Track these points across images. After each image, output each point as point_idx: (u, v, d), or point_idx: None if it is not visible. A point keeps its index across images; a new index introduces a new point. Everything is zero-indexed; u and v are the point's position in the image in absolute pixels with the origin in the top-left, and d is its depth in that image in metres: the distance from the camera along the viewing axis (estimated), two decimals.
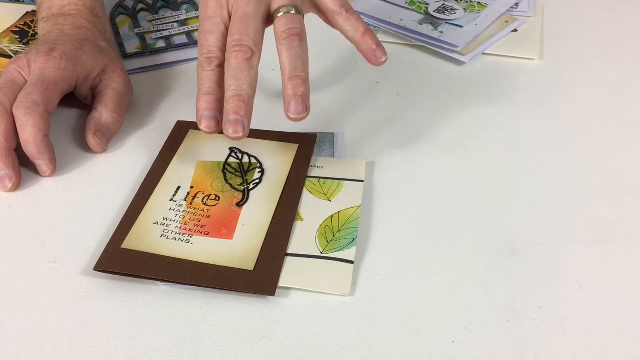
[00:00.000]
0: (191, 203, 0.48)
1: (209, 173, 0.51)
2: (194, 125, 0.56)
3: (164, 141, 0.54)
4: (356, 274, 0.44)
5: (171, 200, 0.49)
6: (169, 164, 0.52)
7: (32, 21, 0.69)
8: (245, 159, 0.52)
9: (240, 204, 0.48)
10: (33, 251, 0.46)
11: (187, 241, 0.45)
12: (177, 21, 0.70)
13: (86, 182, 0.51)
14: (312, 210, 0.48)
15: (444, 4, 0.72)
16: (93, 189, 0.51)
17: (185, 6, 0.72)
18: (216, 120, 0.47)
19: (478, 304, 0.43)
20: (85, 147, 0.54)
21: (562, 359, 0.39)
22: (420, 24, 0.69)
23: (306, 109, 0.46)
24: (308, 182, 0.51)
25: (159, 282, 0.43)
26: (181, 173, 0.51)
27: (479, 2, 0.73)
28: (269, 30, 0.50)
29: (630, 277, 0.45)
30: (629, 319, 0.42)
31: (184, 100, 0.60)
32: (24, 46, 0.65)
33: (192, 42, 0.67)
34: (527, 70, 0.65)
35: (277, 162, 0.52)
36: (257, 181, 0.50)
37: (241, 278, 0.43)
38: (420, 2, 0.72)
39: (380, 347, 0.40)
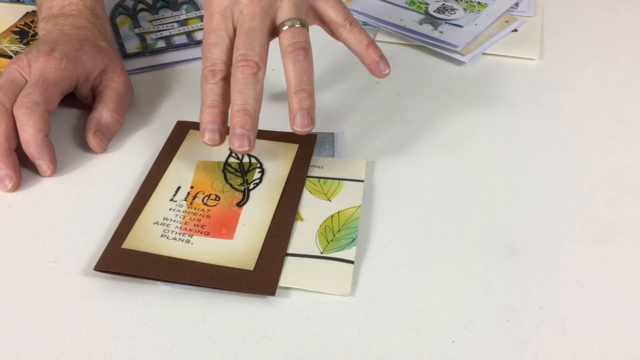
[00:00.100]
0: (191, 203, 0.48)
1: (209, 173, 0.51)
2: (194, 125, 0.56)
3: (164, 141, 0.54)
4: (356, 274, 0.44)
5: (171, 200, 0.49)
6: (169, 164, 0.52)
7: (32, 21, 0.69)
8: (246, 159, 0.52)
9: (240, 204, 0.48)
10: (33, 251, 0.46)
11: (187, 241, 0.45)
12: (177, 21, 0.70)
13: (86, 182, 0.51)
14: (312, 210, 0.48)
15: (443, 3, 0.72)
16: (93, 189, 0.51)
17: (185, 6, 0.72)
18: (219, 133, 0.47)
19: (478, 303, 0.43)
20: (86, 147, 0.54)
21: (562, 359, 0.39)
22: (420, 23, 0.69)
23: (312, 121, 0.47)
24: (308, 182, 0.51)
25: (159, 282, 0.43)
26: (181, 173, 0.51)
27: (478, 2, 0.73)
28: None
29: (630, 277, 0.45)
30: (629, 319, 0.42)
31: (184, 100, 0.60)
32: (24, 46, 0.65)
33: (192, 42, 0.67)
34: (527, 70, 0.65)
35: (277, 162, 0.52)
36: (257, 181, 0.50)
37: (241, 278, 0.43)
38: (420, 2, 0.72)
39: (380, 347, 0.40)
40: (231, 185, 0.50)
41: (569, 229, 0.48)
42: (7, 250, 0.46)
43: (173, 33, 0.68)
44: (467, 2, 0.73)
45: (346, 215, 0.48)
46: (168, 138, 0.55)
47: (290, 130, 0.55)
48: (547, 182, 0.52)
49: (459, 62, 0.66)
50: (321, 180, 0.51)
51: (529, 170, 0.53)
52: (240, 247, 0.45)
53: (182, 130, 0.55)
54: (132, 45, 0.66)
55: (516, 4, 0.74)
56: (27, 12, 0.70)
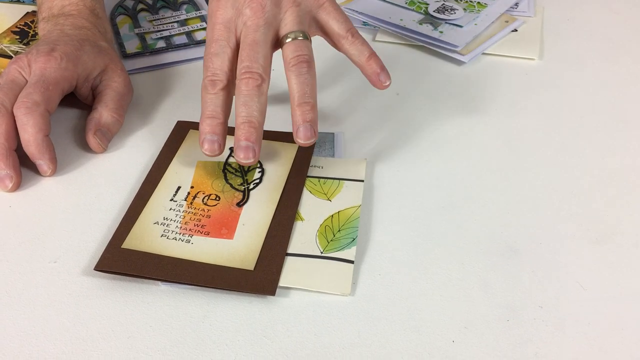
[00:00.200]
0: (191, 203, 0.48)
1: (209, 173, 0.51)
2: (194, 125, 0.56)
3: (164, 141, 0.54)
4: (356, 274, 0.44)
5: (171, 200, 0.49)
6: (169, 164, 0.52)
7: (32, 21, 0.69)
8: None
9: (240, 204, 0.48)
10: (33, 251, 0.46)
11: (188, 241, 0.45)
12: (177, 21, 0.70)
13: (86, 182, 0.51)
14: (312, 210, 0.48)
15: (443, 3, 0.72)
16: (93, 189, 0.51)
17: (185, 6, 0.72)
18: (218, 144, 0.48)
19: (478, 303, 0.43)
20: (86, 147, 0.54)
21: (562, 359, 0.40)
22: (420, 23, 0.69)
23: (314, 134, 0.47)
24: (308, 182, 0.51)
25: (159, 282, 0.43)
26: (181, 173, 0.51)
27: (478, 2, 0.73)
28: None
29: (630, 277, 0.45)
30: (629, 319, 0.42)
31: (184, 100, 0.60)
32: (24, 46, 0.65)
33: (192, 43, 0.67)
34: (527, 70, 0.65)
35: (277, 162, 0.52)
36: (257, 181, 0.50)
37: (241, 278, 0.43)
38: (420, 2, 0.72)
39: (380, 347, 0.40)
40: (231, 185, 0.50)
41: (569, 229, 0.48)
42: (7, 250, 0.46)
43: (173, 33, 0.68)
44: (467, 2, 0.73)
45: (346, 215, 0.48)
46: (168, 138, 0.55)
47: (290, 131, 0.55)
48: (547, 182, 0.52)
49: (458, 62, 0.66)
50: (321, 180, 0.51)
51: (529, 170, 0.53)
52: (240, 247, 0.45)
53: (182, 130, 0.55)
54: (132, 45, 0.66)
55: (516, 4, 0.74)
56: (27, 12, 0.70)
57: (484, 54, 0.67)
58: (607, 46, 0.69)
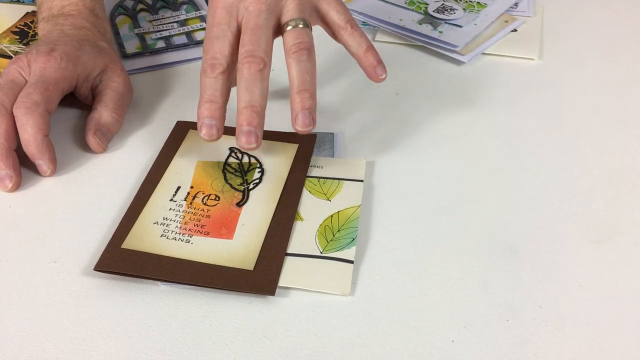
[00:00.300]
0: (191, 203, 0.48)
1: (209, 173, 0.51)
2: (193, 125, 0.56)
3: (164, 141, 0.54)
4: (356, 274, 0.44)
5: (171, 200, 0.49)
6: (169, 164, 0.52)
7: (32, 21, 0.69)
8: (245, 159, 0.52)
9: (240, 204, 0.48)
10: (33, 251, 0.46)
11: (187, 241, 0.45)
12: (176, 21, 0.70)
13: (86, 182, 0.51)
14: (312, 210, 0.48)
15: (443, 3, 0.72)
16: (93, 189, 0.51)
17: (185, 6, 0.72)
18: (217, 128, 0.47)
19: (478, 303, 0.43)
20: (86, 147, 0.54)
21: (561, 358, 0.40)
22: (420, 23, 0.69)
23: (313, 121, 0.47)
24: (308, 181, 0.51)
25: (159, 282, 0.43)
26: (181, 173, 0.51)
27: (478, 2, 0.73)
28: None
29: (630, 277, 0.45)
30: (629, 319, 0.42)
31: (184, 101, 0.60)
32: (24, 46, 0.65)
33: (192, 43, 0.67)
34: (526, 70, 0.65)
35: (277, 162, 0.52)
36: (257, 181, 0.50)
37: (241, 278, 0.43)
38: (419, 2, 0.72)
39: (380, 347, 0.40)
40: (231, 185, 0.50)
41: (568, 228, 0.48)
42: (7, 250, 0.46)
43: (173, 33, 0.68)
44: (466, 2, 0.73)
45: (346, 215, 0.48)
46: (168, 138, 0.55)
47: (290, 130, 0.55)
48: (546, 182, 0.52)
49: (458, 62, 0.66)
50: (321, 180, 0.51)
51: (528, 170, 0.53)
52: (240, 247, 0.45)
53: (182, 130, 0.55)
54: (131, 46, 0.66)
55: (516, 4, 0.74)
56: (27, 12, 0.70)
57: (483, 54, 0.67)
58: (606, 46, 0.69)
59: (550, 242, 0.47)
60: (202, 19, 0.70)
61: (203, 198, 0.49)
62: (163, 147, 0.54)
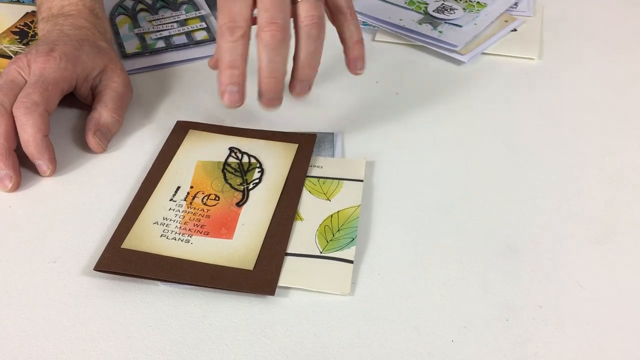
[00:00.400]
0: (191, 203, 0.48)
1: (209, 173, 0.51)
2: (193, 125, 0.56)
3: (164, 141, 0.54)
4: (356, 274, 0.44)
5: (171, 200, 0.49)
6: (168, 164, 0.52)
7: (32, 22, 0.69)
8: (245, 159, 0.52)
9: (240, 204, 0.49)
10: (33, 251, 0.46)
11: (187, 241, 0.45)
12: (176, 21, 0.70)
13: (86, 182, 0.51)
14: (312, 209, 0.48)
15: (443, 3, 0.72)
16: (93, 189, 0.51)
17: (185, 6, 0.72)
18: (240, 94, 0.47)
19: (478, 303, 0.43)
20: (85, 147, 0.54)
21: (561, 358, 0.40)
22: (420, 23, 0.69)
23: (309, 89, 0.49)
24: (308, 181, 0.51)
25: (158, 282, 0.43)
26: (181, 173, 0.51)
27: (478, 2, 0.73)
28: None
29: (630, 277, 0.45)
30: (629, 318, 0.42)
31: (184, 100, 0.60)
32: (23, 46, 0.65)
33: (192, 43, 0.67)
34: (526, 70, 0.65)
35: (276, 162, 0.52)
36: (257, 181, 0.50)
37: (241, 278, 0.43)
38: (419, 2, 0.72)
39: (380, 347, 0.40)
40: (231, 185, 0.50)
41: (568, 228, 0.48)
42: (7, 250, 0.46)
43: (173, 33, 0.68)
44: (466, 1, 0.73)
45: (346, 214, 0.48)
46: (168, 138, 0.55)
47: (290, 130, 0.55)
48: (546, 182, 0.52)
49: (458, 62, 0.66)
50: (321, 180, 0.51)
51: (528, 170, 0.53)
52: (239, 247, 0.45)
53: (181, 130, 0.55)
54: (131, 46, 0.66)
55: (515, 4, 0.74)
56: (27, 13, 0.70)
57: (483, 53, 0.67)
58: (606, 45, 0.69)
59: (550, 242, 0.47)
60: (202, 18, 0.70)
61: (203, 198, 0.49)
62: (163, 147, 0.54)
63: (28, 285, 0.44)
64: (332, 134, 0.56)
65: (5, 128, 0.49)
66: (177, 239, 0.45)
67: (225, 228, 0.46)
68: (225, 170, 0.51)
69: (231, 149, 0.53)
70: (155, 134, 0.56)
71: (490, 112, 0.60)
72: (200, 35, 0.68)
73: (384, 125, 0.58)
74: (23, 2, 0.72)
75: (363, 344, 0.40)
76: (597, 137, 0.57)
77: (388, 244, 0.47)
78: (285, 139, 0.54)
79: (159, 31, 0.68)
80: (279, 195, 0.49)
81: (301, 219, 0.48)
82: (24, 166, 0.51)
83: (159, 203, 0.48)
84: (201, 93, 0.61)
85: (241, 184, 0.50)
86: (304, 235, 0.46)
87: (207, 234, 0.46)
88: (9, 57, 0.63)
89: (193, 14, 0.71)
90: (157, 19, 0.70)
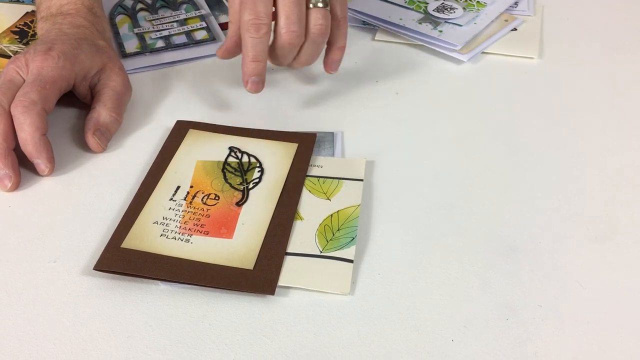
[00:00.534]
0: (191, 202, 0.48)
1: (209, 172, 0.51)
2: (193, 125, 0.56)
3: (164, 141, 0.54)
4: (356, 273, 0.44)
5: (171, 199, 0.49)
6: (168, 163, 0.52)
7: (31, 21, 0.69)
8: (245, 159, 0.52)
9: (239, 204, 0.48)
10: (33, 251, 0.46)
11: (187, 240, 0.45)
12: (176, 21, 0.70)
13: (86, 182, 0.51)
14: (312, 209, 0.48)
15: (443, 3, 0.72)
16: (93, 189, 0.51)
17: (184, 6, 0.72)
18: (262, 83, 0.54)
19: (477, 302, 0.43)
20: (85, 147, 0.54)
21: (561, 358, 0.40)
22: (420, 23, 0.69)
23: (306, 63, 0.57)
24: (307, 181, 0.51)
25: (158, 282, 0.43)
26: (181, 172, 0.51)
27: (478, 1, 0.73)
28: None
29: (630, 276, 0.45)
30: (629, 318, 0.42)
31: (184, 100, 0.60)
32: (23, 46, 0.65)
33: (192, 42, 0.67)
34: (526, 69, 0.65)
35: (276, 162, 0.52)
36: (257, 180, 0.50)
37: (241, 277, 0.43)
38: (419, 1, 0.72)
39: (379, 346, 0.40)
40: (230, 185, 0.50)
41: (568, 228, 0.48)
42: (7, 250, 0.46)
43: (172, 33, 0.68)
44: (466, 1, 0.73)
45: (346, 214, 0.48)
46: (167, 138, 0.55)
47: (290, 130, 0.55)
48: (546, 182, 0.52)
49: (458, 61, 0.66)
50: (321, 179, 0.51)
51: (528, 170, 0.53)
52: (239, 247, 0.45)
53: (181, 130, 0.55)
54: (131, 45, 0.66)
55: (515, 3, 0.74)
56: (27, 12, 0.70)
57: (483, 53, 0.67)
58: (606, 45, 0.69)
59: (550, 242, 0.47)
60: (202, 18, 0.70)
61: (203, 197, 0.49)
62: (163, 147, 0.54)
63: (28, 285, 0.43)
64: (332, 133, 0.56)
65: (3, 127, 0.49)
66: (177, 239, 0.45)
67: (225, 228, 0.46)
68: (225, 170, 0.51)
69: (231, 149, 0.53)
70: (155, 134, 0.56)
71: (490, 112, 0.60)
72: (200, 34, 0.68)
73: (384, 125, 0.58)
74: (23, 1, 0.72)
75: (363, 344, 0.40)
76: (597, 137, 0.57)
77: (388, 244, 0.47)
78: (285, 139, 0.54)
79: (158, 31, 0.68)
80: (279, 194, 0.49)
81: (301, 219, 0.48)
82: (23, 166, 0.51)
83: (159, 203, 0.48)
84: (201, 93, 0.61)
85: (241, 184, 0.50)
86: (304, 235, 0.46)
87: (207, 233, 0.46)
88: (9, 57, 0.63)
89: (193, 13, 0.71)
90: (157, 19, 0.70)
